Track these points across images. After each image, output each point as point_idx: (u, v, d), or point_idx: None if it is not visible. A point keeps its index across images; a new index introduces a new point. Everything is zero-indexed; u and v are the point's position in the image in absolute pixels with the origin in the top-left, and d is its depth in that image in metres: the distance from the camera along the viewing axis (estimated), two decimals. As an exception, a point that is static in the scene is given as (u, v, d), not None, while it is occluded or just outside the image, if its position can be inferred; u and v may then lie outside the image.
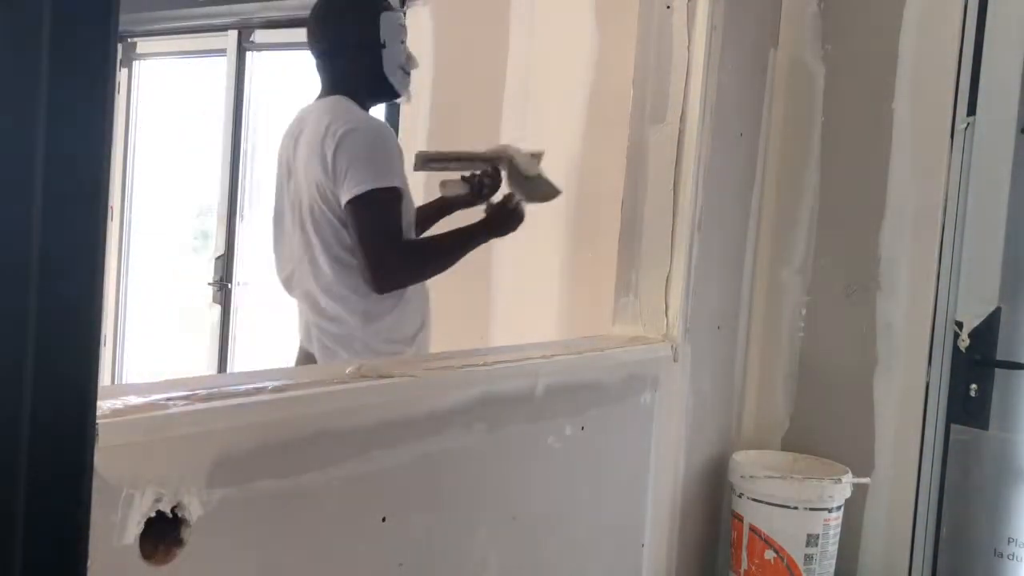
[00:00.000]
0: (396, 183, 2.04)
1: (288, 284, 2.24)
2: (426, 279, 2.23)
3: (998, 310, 2.35)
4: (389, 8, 2.22)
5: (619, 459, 2.07)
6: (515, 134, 3.15)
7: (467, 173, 2.38)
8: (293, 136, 2.19)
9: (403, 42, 2.22)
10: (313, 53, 2.23)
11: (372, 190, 2.00)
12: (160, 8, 4.23)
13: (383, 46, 2.17)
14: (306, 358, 2.23)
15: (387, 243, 2.04)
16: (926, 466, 2.43)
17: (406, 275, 2.11)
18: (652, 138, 2.28)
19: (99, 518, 0.93)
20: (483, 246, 2.48)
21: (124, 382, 4.41)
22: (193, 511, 1.09)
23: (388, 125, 2.22)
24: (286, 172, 2.21)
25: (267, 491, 1.20)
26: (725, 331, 2.52)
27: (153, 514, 1.05)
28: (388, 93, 2.24)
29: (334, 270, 2.10)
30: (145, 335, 4.74)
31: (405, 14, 3.39)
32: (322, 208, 2.08)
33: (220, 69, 4.17)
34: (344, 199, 2.02)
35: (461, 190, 2.39)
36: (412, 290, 2.18)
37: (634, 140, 2.32)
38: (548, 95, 3.10)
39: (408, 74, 2.24)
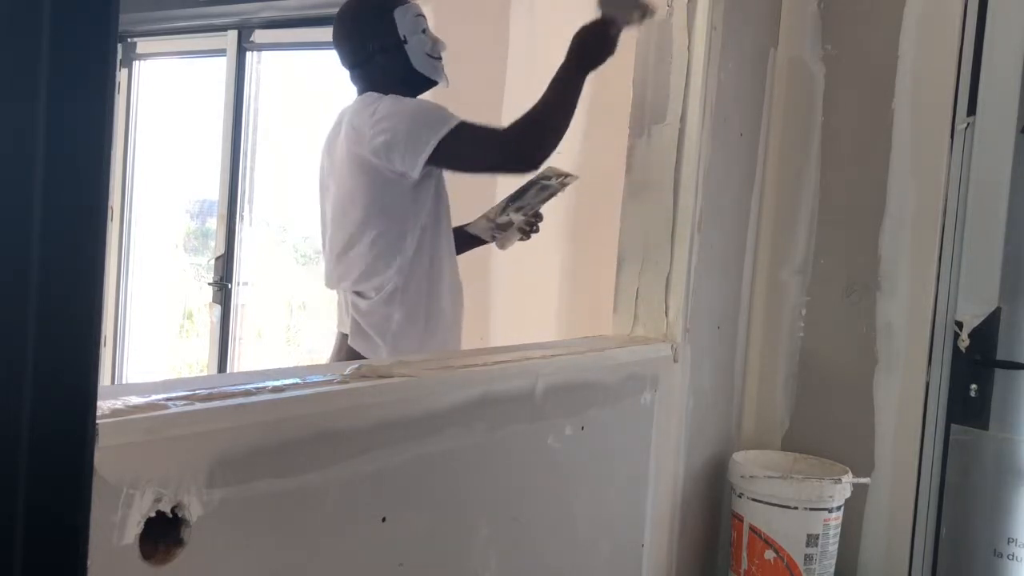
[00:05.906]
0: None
1: (330, 276, 2.24)
2: (557, 131, 2.10)
3: (998, 310, 2.35)
4: (401, 2, 2.20)
5: (619, 459, 2.07)
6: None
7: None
8: (333, 137, 2.20)
9: (424, 31, 2.21)
10: (344, 66, 2.24)
11: (445, 131, 2.00)
12: (160, 8, 4.23)
13: (404, 42, 2.17)
14: (344, 345, 2.24)
15: (495, 137, 2.04)
16: (926, 466, 2.43)
17: (537, 139, 2.06)
18: (652, 138, 2.28)
19: (99, 518, 0.93)
20: (482, 248, 2.48)
21: (124, 382, 4.41)
22: (193, 511, 1.09)
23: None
24: (328, 168, 2.21)
25: (267, 491, 1.20)
26: (725, 331, 2.52)
27: (153, 514, 1.05)
28: (423, 84, 2.22)
29: (371, 255, 2.11)
30: (145, 335, 4.74)
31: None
32: (369, 191, 2.08)
33: (220, 69, 4.17)
34: (422, 159, 2.00)
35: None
36: (438, 271, 2.18)
37: (634, 140, 2.32)
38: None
39: (438, 59, 2.23)
